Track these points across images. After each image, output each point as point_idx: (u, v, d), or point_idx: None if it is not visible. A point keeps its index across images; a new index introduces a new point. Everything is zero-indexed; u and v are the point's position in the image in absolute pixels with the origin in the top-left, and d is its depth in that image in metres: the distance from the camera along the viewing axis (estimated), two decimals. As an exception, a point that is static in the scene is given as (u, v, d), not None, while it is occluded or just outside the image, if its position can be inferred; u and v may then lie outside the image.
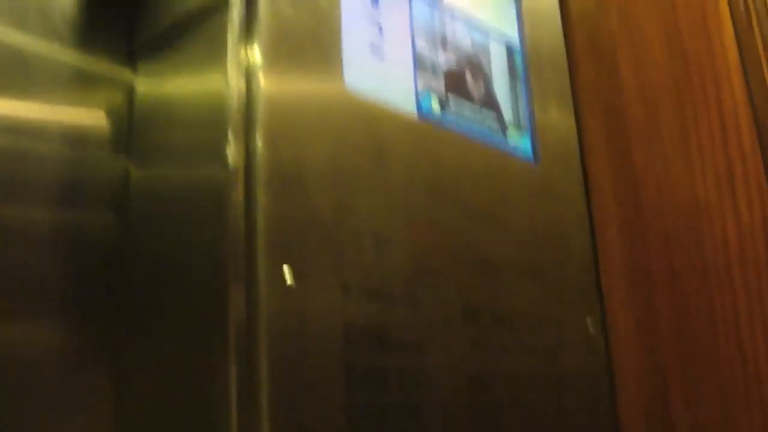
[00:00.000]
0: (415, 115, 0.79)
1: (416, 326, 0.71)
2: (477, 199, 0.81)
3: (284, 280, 0.62)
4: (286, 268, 0.62)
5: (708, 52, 0.92)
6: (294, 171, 0.66)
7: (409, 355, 0.69)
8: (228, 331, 0.61)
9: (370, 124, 0.73)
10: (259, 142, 0.65)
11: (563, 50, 1.01)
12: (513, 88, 0.93)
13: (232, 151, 0.65)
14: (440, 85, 0.83)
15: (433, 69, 0.83)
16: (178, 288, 0.68)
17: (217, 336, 0.62)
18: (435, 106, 0.82)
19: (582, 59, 1.03)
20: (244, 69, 0.67)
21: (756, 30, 0.88)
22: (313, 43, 0.71)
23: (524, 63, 0.95)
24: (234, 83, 0.67)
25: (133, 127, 0.78)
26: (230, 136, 0.65)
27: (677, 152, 0.92)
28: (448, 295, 0.75)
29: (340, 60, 0.73)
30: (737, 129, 0.89)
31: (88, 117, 0.77)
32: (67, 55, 0.76)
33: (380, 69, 0.78)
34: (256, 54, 0.67)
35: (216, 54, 0.69)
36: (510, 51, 0.95)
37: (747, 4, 0.90)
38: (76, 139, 0.75)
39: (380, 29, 0.79)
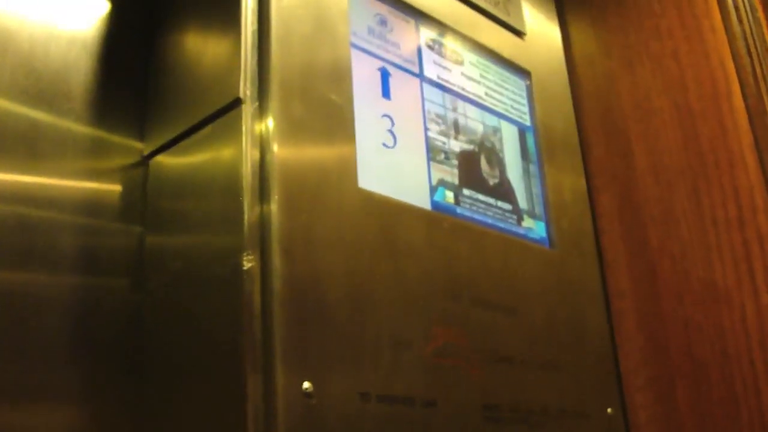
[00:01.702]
0: (430, 210, 0.78)
1: (437, 429, 0.69)
2: (494, 293, 0.80)
3: (302, 389, 0.61)
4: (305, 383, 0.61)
5: (721, 133, 0.91)
6: (310, 279, 0.65)
7: (429, 459, 0.68)
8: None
9: (384, 221, 0.72)
10: (274, 207, 0.64)
11: (575, 131, 1.01)
12: (526, 171, 0.93)
13: (247, 218, 0.64)
14: (454, 176, 0.83)
15: (447, 157, 0.83)
16: (195, 369, 0.67)
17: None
18: (449, 198, 0.81)
19: (594, 140, 1.03)
20: (258, 143, 0.67)
21: (770, 112, 0.88)
22: (326, 141, 0.71)
23: (537, 144, 0.95)
24: (248, 155, 0.66)
25: (147, 196, 0.78)
26: (245, 203, 0.65)
27: (693, 234, 0.92)
28: (467, 394, 0.73)
29: (354, 158, 0.72)
30: (753, 210, 0.88)
31: (102, 187, 0.77)
32: (81, 128, 0.77)
33: (393, 164, 0.77)
34: (271, 137, 0.67)
35: (230, 133, 0.69)
36: (522, 132, 0.94)
37: (759, 84, 0.89)
38: (90, 208, 0.75)
39: (392, 122, 0.79)
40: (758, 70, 0.90)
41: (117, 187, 0.78)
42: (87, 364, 0.71)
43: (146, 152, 0.78)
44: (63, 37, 0.77)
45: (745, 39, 0.91)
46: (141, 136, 0.80)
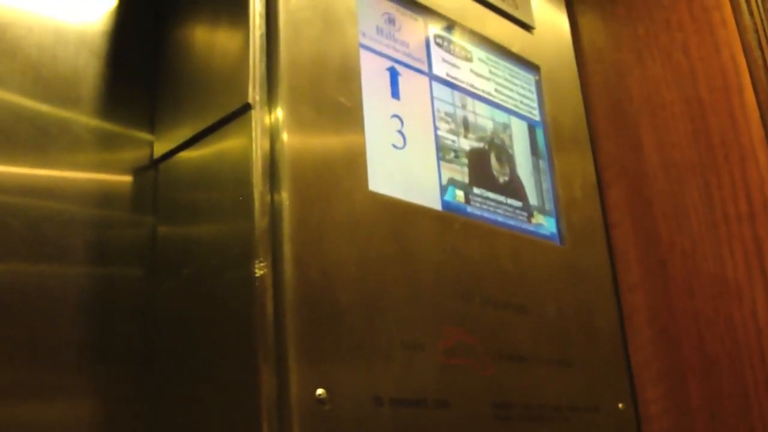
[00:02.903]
0: (440, 210, 0.78)
1: (449, 430, 0.70)
2: (505, 291, 0.80)
3: (315, 396, 0.61)
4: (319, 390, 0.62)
5: (732, 127, 0.91)
6: (322, 284, 0.65)
7: (442, 461, 0.69)
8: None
9: (395, 224, 0.73)
10: (285, 209, 0.65)
11: (585, 125, 1.01)
12: (536, 167, 0.93)
13: (258, 208, 0.65)
14: (464, 174, 0.83)
15: (456, 156, 0.83)
16: (208, 374, 0.67)
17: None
18: (460, 197, 0.81)
19: (604, 134, 1.02)
20: (268, 147, 0.67)
21: (781, 108, 0.88)
22: (336, 145, 0.71)
23: (546, 139, 0.95)
24: (258, 159, 0.67)
25: (158, 190, 0.78)
26: (255, 203, 0.65)
27: (703, 228, 0.91)
28: (479, 393, 0.74)
29: (364, 161, 0.72)
30: (764, 204, 0.88)
31: (113, 178, 0.77)
32: (91, 125, 0.77)
33: (403, 164, 0.77)
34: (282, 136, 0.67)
35: (240, 137, 0.69)
36: (531, 128, 0.94)
37: (770, 79, 0.89)
38: (101, 199, 0.76)
39: (402, 122, 0.79)
40: (769, 63, 0.90)
41: (128, 179, 0.78)
42: (99, 358, 0.72)
43: (156, 156, 0.78)
44: (71, 41, 0.78)
45: (756, 32, 0.91)
46: (152, 130, 0.81)
